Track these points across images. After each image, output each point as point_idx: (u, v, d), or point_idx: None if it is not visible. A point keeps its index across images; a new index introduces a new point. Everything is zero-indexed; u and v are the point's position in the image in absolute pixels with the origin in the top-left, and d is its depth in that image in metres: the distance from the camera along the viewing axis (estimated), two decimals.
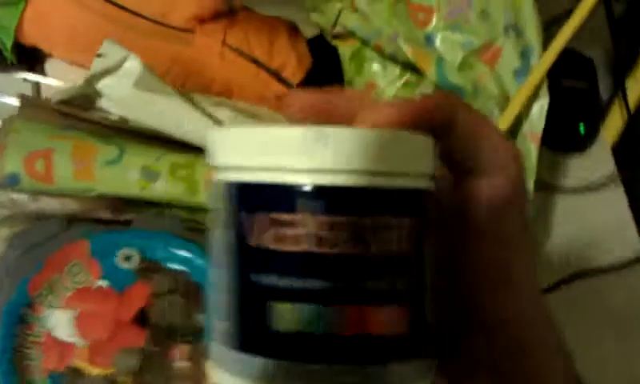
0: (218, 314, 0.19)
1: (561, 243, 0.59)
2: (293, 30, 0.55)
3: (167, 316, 0.38)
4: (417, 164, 0.19)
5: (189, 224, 0.43)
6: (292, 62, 0.52)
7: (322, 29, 0.56)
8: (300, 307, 0.17)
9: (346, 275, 0.17)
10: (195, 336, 0.38)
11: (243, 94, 0.51)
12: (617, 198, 0.67)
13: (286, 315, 0.17)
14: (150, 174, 0.42)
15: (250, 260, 0.18)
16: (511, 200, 0.20)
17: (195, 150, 0.42)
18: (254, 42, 0.51)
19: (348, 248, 0.17)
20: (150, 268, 0.40)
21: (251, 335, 0.18)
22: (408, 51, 0.48)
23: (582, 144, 0.68)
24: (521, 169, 0.21)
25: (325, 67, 0.57)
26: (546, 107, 0.47)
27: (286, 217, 0.17)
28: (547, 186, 0.65)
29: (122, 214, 0.45)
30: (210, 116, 0.43)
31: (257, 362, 0.18)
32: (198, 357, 0.38)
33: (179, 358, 0.38)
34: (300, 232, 0.17)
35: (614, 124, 0.72)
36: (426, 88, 0.49)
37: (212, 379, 0.19)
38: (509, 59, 0.49)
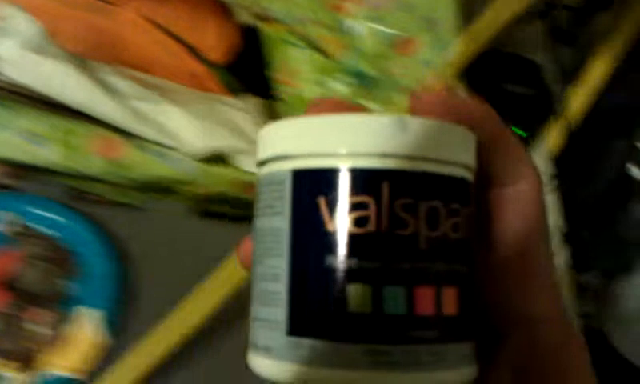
0: (270, 302, 0.19)
1: None
2: (222, 10, 0.54)
3: (34, 281, 0.37)
4: (472, 158, 0.20)
5: (73, 192, 0.42)
6: (211, 40, 0.51)
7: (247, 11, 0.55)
8: (381, 289, 0.17)
9: (424, 257, 0.18)
10: (59, 303, 0.37)
11: (158, 68, 0.50)
12: (550, 205, 0.66)
13: (366, 297, 0.17)
14: (35, 139, 0.41)
15: (325, 243, 0.18)
16: (535, 202, 0.22)
17: (82, 117, 0.42)
18: (173, 17, 0.50)
19: (425, 231, 0.18)
20: (24, 232, 0.39)
21: (327, 318, 0.18)
22: (318, 35, 0.47)
23: None
24: (541, 178, 0.22)
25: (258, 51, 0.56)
26: None
27: (366, 200, 0.18)
28: None
29: (18, 179, 0.45)
30: (103, 84, 0.42)
31: (324, 346, 0.18)
32: (60, 323, 0.37)
33: (40, 323, 0.37)
34: (381, 215, 0.18)
35: (557, 131, 0.72)
36: (342, 75, 0.48)
37: (260, 368, 0.19)
38: (423, 52, 0.48)
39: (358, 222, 0.18)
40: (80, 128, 0.42)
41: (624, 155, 0.77)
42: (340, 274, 0.18)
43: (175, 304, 0.40)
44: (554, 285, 0.22)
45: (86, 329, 0.39)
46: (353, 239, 0.18)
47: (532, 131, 0.69)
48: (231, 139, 0.44)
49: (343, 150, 0.18)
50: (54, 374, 0.39)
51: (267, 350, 0.19)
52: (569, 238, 0.67)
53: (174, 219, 0.45)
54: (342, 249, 0.18)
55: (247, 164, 0.45)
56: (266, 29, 0.54)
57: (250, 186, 0.46)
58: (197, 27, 0.51)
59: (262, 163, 0.20)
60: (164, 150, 0.44)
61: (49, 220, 0.41)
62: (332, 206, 0.18)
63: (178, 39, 0.51)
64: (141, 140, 0.43)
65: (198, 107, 0.45)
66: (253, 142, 0.45)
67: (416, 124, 0.18)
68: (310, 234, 0.18)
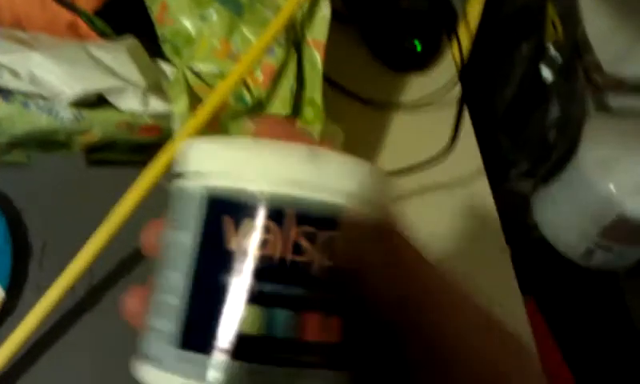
0: (163, 314, 0.19)
1: (397, 158, 0.59)
2: None
3: None
4: (386, 199, 0.20)
5: None
6: None
7: None
8: (272, 311, 0.18)
9: (316, 284, 0.18)
10: None
11: (32, 23, 0.49)
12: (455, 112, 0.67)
13: (256, 318, 0.18)
14: None
15: (224, 263, 0.18)
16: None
17: None
18: None
19: (321, 259, 0.18)
20: None
21: (217, 336, 0.18)
22: None
23: (419, 62, 0.68)
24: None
25: None
26: (328, 16, 0.47)
27: (269, 224, 0.18)
28: (385, 104, 0.65)
29: None
30: None
31: (212, 362, 0.18)
32: None
33: None
34: (282, 241, 0.18)
35: (460, 43, 0.72)
36: (217, 5, 0.47)
37: (147, 377, 0.19)
38: None
39: (257, 245, 0.18)
40: None
41: (533, 57, 0.78)
42: (233, 293, 0.18)
43: (70, 255, 0.40)
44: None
45: None
46: (250, 261, 0.18)
47: (432, 46, 0.69)
48: (105, 81, 0.43)
49: (251, 174, 0.19)
50: None
51: (158, 361, 0.19)
52: (487, 146, 0.68)
53: (63, 172, 0.45)
54: (237, 269, 0.18)
55: (127, 104, 0.45)
56: None
57: (136, 126, 0.46)
58: None
59: (176, 176, 0.21)
60: (38, 101, 0.43)
61: None
62: (235, 226, 0.19)
63: None
64: (12, 93, 0.43)
65: (68, 52, 0.44)
66: (128, 81, 0.44)
67: (326, 156, 0.19)
68: (210, 251, 0.19)
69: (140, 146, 0.47)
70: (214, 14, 0.48)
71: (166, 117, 0.46)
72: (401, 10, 0.67)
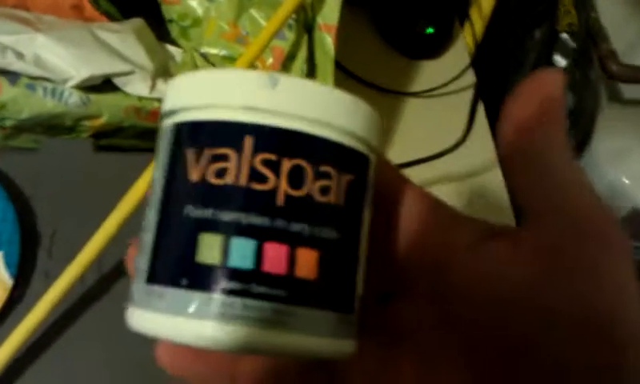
0: (142, 252, 0.19)
1: (409, 147, 0.58)
2: None
3: None
4: (363, 130, 0.19)
5: None
6: None
7: None
8: (230, 240, 0.17)
9: (279, 214, 0.18)
10: None
11: (36, 4, 0.48)
12: (468, 99, 0.65)
13: (215, 247, 0.17)
14: None
15: (187, 194, 0.18)
16: None
17: None
18: None
19: (285, 188, 0.18)
20: None
21: (177, 266, 0.18)
22: None
23: (431, 48, 0.67)
24: None
25: None
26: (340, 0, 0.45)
27: (227, 152, 0.18)
28: (396, 91, 0.64)
29: None
30: None
31: (177, 294, 0.18)
32: None
33: None
34: (240, 168, 0.18)
35: (473, 28, 0.71)
36: None
37: (129, 320, 0.19)
38: None
39: (218, 174, 0.18)
40: None
41: (546, 44, 0.77)
42: (194, 224, 0.18)
43: (79, 243, 0.39)
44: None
45: None
46: (210, 190, 0.18)
47: (444, 30, 0.68)
48: (112, 64, 0.42)
49: (209, 103, 0.18)
50: None
51: (134, 300, 0.19)
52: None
53: (71, 158, 0.44)
54: (198, 199, 0.18)
55: (135, 88, 0.44)
56: None
57: (144, 111, 0.45)
58: None
59: (160, 119, 0.21)
60: (45, 84, 0.42)
61: None
62: (196, 157, 0.18)
63: None
64: (18, 76, 0.42)
65: (74, 35, 0.43)
66: (136, 64, 0.43)
67: (287, 81, 0.18)
68: (175, 184, 0.19)
69: (147, 132, 0.46)
70: None
71: None
72: None
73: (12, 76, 0.42)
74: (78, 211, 0.42)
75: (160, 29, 0.49)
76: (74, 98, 0.43)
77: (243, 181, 0.18)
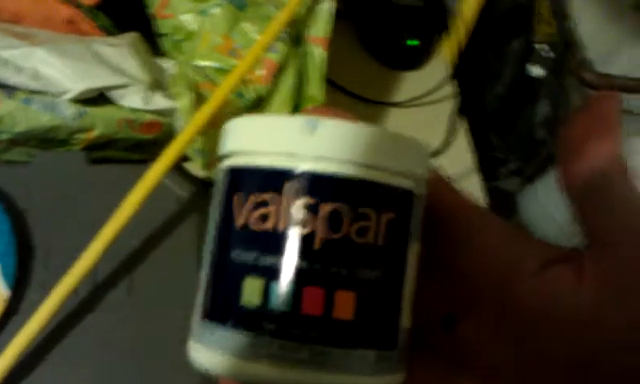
0: (200, 288, 0.20)
1: None
2: None
3: None
4: (404, 164, 0.19)
5: None
6: None
7: None
8: (270, 284, 0.18)
9: (317, 257, 0.18)
10: None
11: (30, 19, 0.49)
12: (449, 109, 0.67)
13: (256, 291, 0.18)
14: None
15: (233, 238, 0.19)
16: None
17: None
18: None
19: (323, 232, 0.18)
20: None
21: (225, 307, 0.19)
22: None
23: (414, 61, 0.69)
24: None
25: None
26: (333, 11, 0.47)
27: (268, 198, 0.18)
28: (379, 102, 0.66)
29: None
30: None
31: (225, 333, 0.19)
32: None
33: None
34: (280, 214, 0.18)
35: (454, 40, 0.73)
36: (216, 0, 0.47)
37: (188, 352, 0.20)
38: None
39: (260, 219, 0.19)
40: None
41: (522, 55, 0.79)
42: (239, 267, 0.19)
43: (75, 254, 0.40)
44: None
45: None
46: (253, 235, 0.19)
47: (426, 41, 0.69)
48: (109, 78, 0.43)
49: (252, 149, 0.19)
50: None
51: (192, 333, 0.21)
52: (478, 144, 0.69)
53: (64, 170, 0.44)
54: (243, 243, 0.19)
55: (130, 101, 0.44)
56: None
57: (137, 123, 0.46)
58: None
59: (218, 160, 0.22)
60: (43, 98, 0.43)
61: None
62: (242, 202, 0.19)
63: None
64: (14, 90, 0.42)
65: (72, 49, 0.43)
66: (131, 77, 0.44)
67: (326, 124, 0.19)
68: (225, 228, 0.20)
69: (139, 144, 0.47)
70: (216, 8, 0.47)
71: (167, 113, 0.46)
72: (396, 8, 0.67)
73: (8, 90, 0.42)
74: (73, 222, 0.43)
75: (150, 43, 0.49)
76: (69, 111, 0.43)
77: (282, 226, 0.18)
